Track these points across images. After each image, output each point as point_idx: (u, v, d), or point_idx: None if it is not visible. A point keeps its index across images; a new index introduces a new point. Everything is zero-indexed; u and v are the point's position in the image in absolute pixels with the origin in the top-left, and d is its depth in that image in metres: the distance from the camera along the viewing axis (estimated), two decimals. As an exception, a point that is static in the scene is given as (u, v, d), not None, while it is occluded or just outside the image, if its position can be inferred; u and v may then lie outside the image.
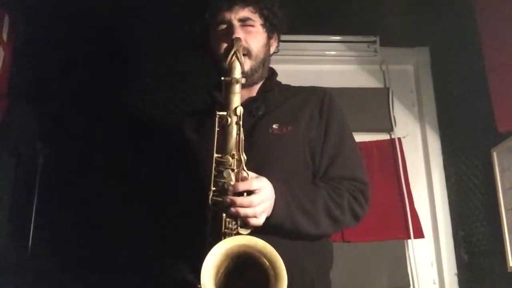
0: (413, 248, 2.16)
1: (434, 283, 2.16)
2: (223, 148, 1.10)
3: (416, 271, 2.14)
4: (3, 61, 1.83)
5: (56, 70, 2.13)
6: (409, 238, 2.14)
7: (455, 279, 2.13)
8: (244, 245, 1.00)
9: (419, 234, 2.16)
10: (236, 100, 1.12)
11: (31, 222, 1.85)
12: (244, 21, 1.30)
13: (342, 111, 1.38)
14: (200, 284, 0.96)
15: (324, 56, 2.39)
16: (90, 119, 2.13)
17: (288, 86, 1.45)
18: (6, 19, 1.86)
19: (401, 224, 2.16)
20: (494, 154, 1.84)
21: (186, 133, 1.39)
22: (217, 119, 1.12)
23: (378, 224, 2.13)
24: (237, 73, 1.13)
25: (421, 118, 2.37)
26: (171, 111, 2.17)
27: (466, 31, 2.05)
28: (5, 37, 1.85)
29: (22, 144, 1.98)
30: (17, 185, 1.96)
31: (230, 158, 1.09)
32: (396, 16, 2.40)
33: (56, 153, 1.97)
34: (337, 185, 1.25)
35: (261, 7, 1.33)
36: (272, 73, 1.43)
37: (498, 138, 1.81)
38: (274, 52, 1.44)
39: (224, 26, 1.31)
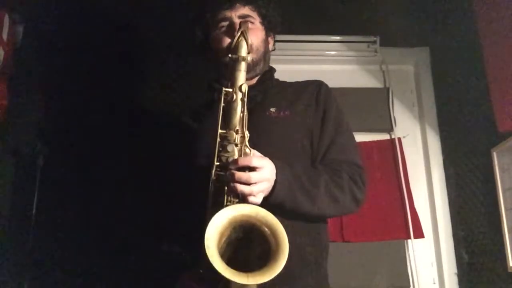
0: (413, 248, 2.16)
1: (434, 283, 2.16)
2: (227, 123, 1.12)
3: (416, 271, 2.14)
4: (3, 61, 1.83)
5: (56, 70, 2.13)
6: (409, 238, 2.14)
7: (455, 279, 2.13)
8: (246, 215, 1.02)
9: (419, 234, 2.16)
10: (242, 77, 1.14)
11: (31, 222, 1.85)
12: (244, 18, 1.34)
13: (338, 102, 1.41)
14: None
15: (324, 56, 2.39)
16: (90, 118, 2.13)
17: (284, 81, 1.49)
18: (6, 19, 1.86)
19: (401, 224, 2.16)
20: (494, 154, 1.83)
21: (185, 121, 1.44)
22: (222, 95, 1.14)
23: (378, 224, 2.13)
24: (244, 52, 1.16)
25: (421, 118, 2.37)
26: (172, 109, 2.17)
27: (466, 31, 2.05)
28: (5, 37, 1.85)
29: (22, 144, 1.98)
30: (17, 185, 1.96)
31: (234, 134, 1.11)
32: (396, 16, 2.40)
33: (56, 153, 1.98)
34: (337, 167, 1.27)
35: (260, 6, 1.38)
36: (270, 68, 1.47)
37: (498, 138, 1.80)
38: (272, 50, 1.48)
39: (225, 24, 1.35)
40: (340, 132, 1.34)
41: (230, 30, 1.32)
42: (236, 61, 1.15)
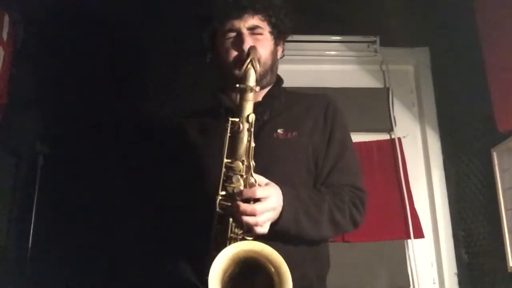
0: (413, 248, 2.16)
1: (434, 283, 2.16)
2: (233, 153, 1.11)
3: (416, 271, 2.14)
4: (3, 61, 1.83)
5: (56, 70, 2.13)
6: (409, 238, 2.14)
7: (455, 279, 2.13)
8: (251, 251, 1.01)
9: (419, 234, 2.16)
10: (249, 107, 1.13)
11: (31, 222, 1.85)
12: (253, 29, 1.30)
13: (345, 119, 1.39)
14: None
15: (324, 56, 2.39)
16: (90, 119, 2.13)
17: (292, 91, 1.45)
18: (6, 19, 1.86)
19: (401, 224, 2.16)
20: (494, 154, 1.83)
21: (190, 133, 1.39)
22: (229, 125, 1.12)
23: (378, 224, 2.13)
24: (252, 81, 1.14)
25: (421, 118, 2.37)
26: (173, 112, 2.16)
27: (466, 31, 2.05)
28: (5, 37, 1.85)
29: (22, 144, 1.98)
30: (17, 185, 1.96)
31: (240, 164, 1.10)
32: (396, 16, 2.40)
33: (56, 153, 1.97)
34: (339, 190, 1.26)
35: (270, 15, 1.33)
36: (278, 80, 1.43)
37: (498, 138, 1.80)
38: (281, 57, 1.44)
39: (233, 34, 1.31)
40: (344, 154, 1.32)
41: (238, 42, 1.28)
42: (243, 91, 1.13)
